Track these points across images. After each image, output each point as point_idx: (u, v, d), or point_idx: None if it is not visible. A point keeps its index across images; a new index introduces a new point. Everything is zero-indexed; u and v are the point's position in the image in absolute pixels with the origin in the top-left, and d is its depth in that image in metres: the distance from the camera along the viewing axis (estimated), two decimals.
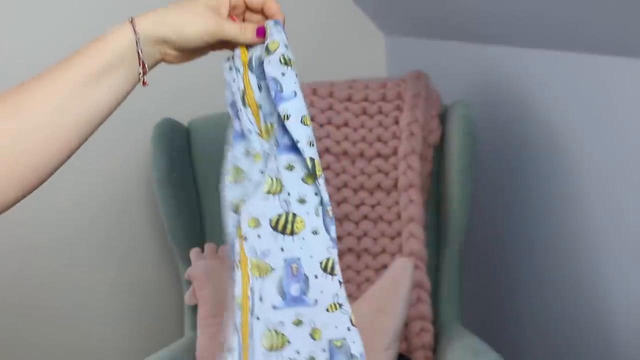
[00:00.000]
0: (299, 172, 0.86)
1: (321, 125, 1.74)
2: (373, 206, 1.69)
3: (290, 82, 0.85)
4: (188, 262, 1.72)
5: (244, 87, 0.87)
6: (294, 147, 0.85)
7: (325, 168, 1.71)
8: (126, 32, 0.81)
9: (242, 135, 0.88)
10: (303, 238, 0.85)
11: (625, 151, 1.40)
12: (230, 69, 0.88)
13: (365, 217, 1.69)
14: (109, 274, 2.09)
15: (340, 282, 0.86)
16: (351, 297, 1.65)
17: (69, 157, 0.80)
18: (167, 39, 0.82)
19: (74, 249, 2.04)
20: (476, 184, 1.73)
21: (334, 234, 0.86)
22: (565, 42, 1.48)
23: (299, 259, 0.85)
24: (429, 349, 1.59)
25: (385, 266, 1.65)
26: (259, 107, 0.87)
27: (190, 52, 0.86)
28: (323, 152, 1.72)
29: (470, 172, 1.68)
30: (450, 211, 1.68)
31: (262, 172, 0.86)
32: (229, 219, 0.87)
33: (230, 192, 0.87)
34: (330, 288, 0.86)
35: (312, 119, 1.74)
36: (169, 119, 1.78)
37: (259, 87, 0.87)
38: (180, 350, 1.63)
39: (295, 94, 0.84)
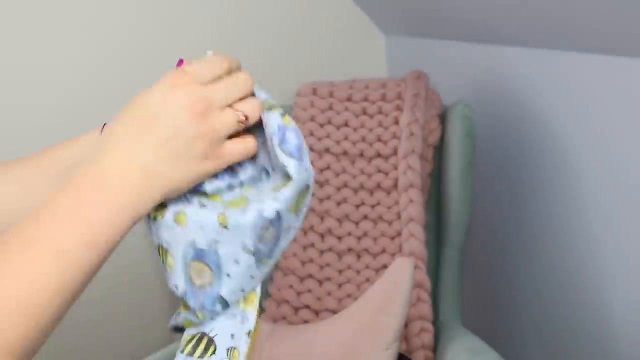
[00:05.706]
0: None
1: (321, 125, 1.74)
2: (373, 206, 1.69)
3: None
4: None
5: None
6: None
7: (325, 168, 1.71)
8: None
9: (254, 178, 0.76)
10: None
11: (625, 151, 1.40)
12: None
13: (365, 217, 1.69)
14: (107, 274, 2.09)
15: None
16: (351, 297, 1.66)
17: None
18: None
19: None
20: (476, 184, 1.73)
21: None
22: (565, 41, 1.48)
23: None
24: (429, 349, 1.59)
25: (385, 266, 1.65)
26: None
27: None
28: (323, 152, 1.72)
29: (470, 172, 1.68)
30: (450, 211, 1.68)
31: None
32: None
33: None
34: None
35: (312, 119, 1.74)
36: None
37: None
38: None
39: None
